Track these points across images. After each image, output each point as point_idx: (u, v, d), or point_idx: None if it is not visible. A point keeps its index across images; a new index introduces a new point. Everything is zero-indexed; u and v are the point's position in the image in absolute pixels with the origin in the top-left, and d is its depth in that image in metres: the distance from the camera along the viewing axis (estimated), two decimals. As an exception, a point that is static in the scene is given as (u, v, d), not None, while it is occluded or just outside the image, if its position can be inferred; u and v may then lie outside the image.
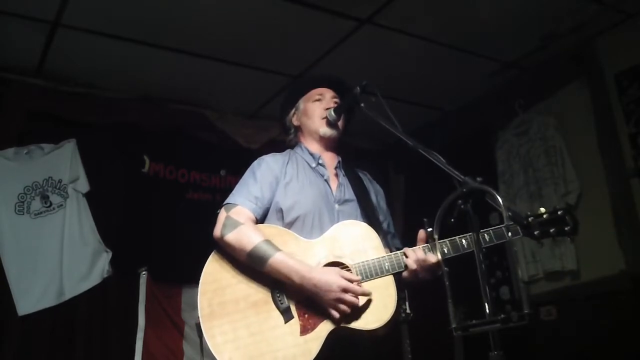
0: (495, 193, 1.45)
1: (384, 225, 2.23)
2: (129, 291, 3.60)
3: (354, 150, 4.33)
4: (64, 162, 3.72)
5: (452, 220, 1.92)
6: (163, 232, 3.92)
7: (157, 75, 3.90)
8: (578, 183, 3.76)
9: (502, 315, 1.32)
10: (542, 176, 3.93)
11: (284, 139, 2.47)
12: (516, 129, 4.15)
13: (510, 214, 1.68)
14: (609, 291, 3.47)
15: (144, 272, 3.54)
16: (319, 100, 2.31)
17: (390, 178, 5.04)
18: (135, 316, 3.48)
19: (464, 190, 1.53)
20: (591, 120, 3.74)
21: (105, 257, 3.69)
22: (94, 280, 3.62)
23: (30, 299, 3.42)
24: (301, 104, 2.36)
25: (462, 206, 1.53)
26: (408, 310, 1.97)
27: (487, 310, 1.37)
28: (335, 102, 2.29)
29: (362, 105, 2.09)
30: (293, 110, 2.38)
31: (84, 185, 3.74)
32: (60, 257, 3.57)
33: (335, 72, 2.47)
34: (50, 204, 3.64)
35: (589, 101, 3.77)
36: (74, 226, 3.66)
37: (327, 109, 2.26)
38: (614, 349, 3.33)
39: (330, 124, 2.25)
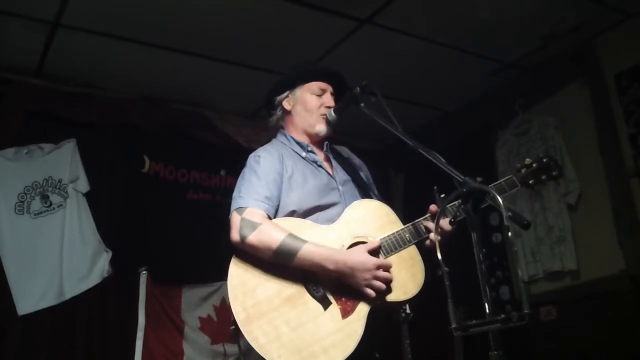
0: (495, 193, 1.45)
1: (375, 193, 2.26)
2: (129, 291, 3.60)
3: (354, 150, 4.32)
4: (63, 161, 3.72)
5: (452, 220, 1.93)
6: (163, 232, 3.92)
7: (157, 75, 3.90)
8: (578, 183, 3.76)
9: (502, 315, 1.32)
10: (542, 176, 3.93)
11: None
12: (516, 129, 4.15)
13: (510, 214, 1.68)
14: (609, 291, 3.47)
15: (144, 272, 3.54)
16: (320, 95, 2.27)
17: (390, 178, 5.04)
18: (135, 316, 3.48)
19: (464, 190, 1.53)
20: (591, 120, 3.74)
21: (105, 257, 3.69)
22: (94, 280, 3.62)
23: (30, 299, 3.42)
24: (298, 91, 2.30)
25: (462, 206, 1.53)
26: (408, 310, 1.98)
27: (487, 310, 1.37)
28: (334, 100, 2.27)
29: (362, 105, 2.08)
30: (287, 93, 2.32)
31: (83, 185, 3.74)
32: (60, 257, 3.57)
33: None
34: (50, 204, 3.64)
35: (589, 101, 3.77)
36: (74, 226, 3.66)
37: (328, 107, 2.24)
38: (614, 349, 3.33)
39: (329, 123, 2.24)
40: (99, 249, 3.69)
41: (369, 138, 4.73)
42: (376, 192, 2.29)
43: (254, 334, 1.85)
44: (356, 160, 2.39)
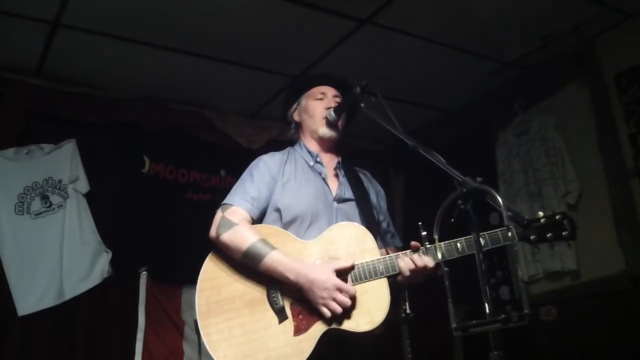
0: (495, 193, 1.45)
1: (384, 225, 2.24)
2: (129, 291, 3.60)
3: (354, 150, 4.33)
4: (64, 162, 3.72)
5: (452, 220, 1.92)
6: (163, 232, 3.92)
7: (157, 75, 3.90)
8: (578, 183, 3.76)
9: (502, 315, 1.33)
10: (542, 176, 3.93)
11: (284, 139, 2.47)
12: (516, 129, 4.15)
13: (510, 214, 1.69)
14: (609, 291, 3.47)
15: (144, 272, 3.54)
16: (320, 99, 2.30)
17: (390, 178, 5.04)
18: (135, 316, 3.48)
19: (464, 190, 1.53)
20: (591, 120, 3.74)
21: (105, 257, 3.69)
22: (94, 280, 3.62)
23: (30, 299, 3.42)
24: (303, 100, 2.35)
25: (462, 206, 1.53)
26: (408, 310, 1.97)
27: (487, 310, 1.37)
28: (337, 102, 2.28)
29: (362, 105, 2.08)
30: (295, 106, 2.37)
31: (83, 185, 3.74)
32: (60, 257, 3.57)
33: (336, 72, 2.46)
34: (50, 204, 3.64)
35: (589, 101, 3.77)
36: (74, 226, 3.66)
37: (328, 108, 2.25)
38: (614, 348, 3.33)
39: (330, 124, 2.24)
40: (99, 249, 3.69)
41: (369, 138, 4.73)
42: (384, 224, 2.24)
43: (208, 329, 1.92)
44: (376, 187, 2.37)
